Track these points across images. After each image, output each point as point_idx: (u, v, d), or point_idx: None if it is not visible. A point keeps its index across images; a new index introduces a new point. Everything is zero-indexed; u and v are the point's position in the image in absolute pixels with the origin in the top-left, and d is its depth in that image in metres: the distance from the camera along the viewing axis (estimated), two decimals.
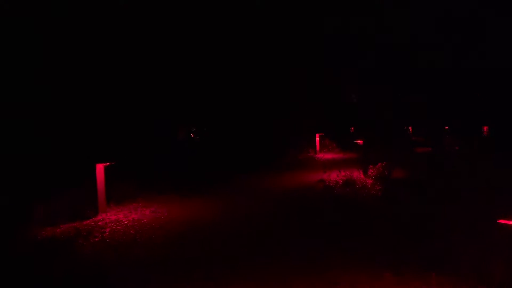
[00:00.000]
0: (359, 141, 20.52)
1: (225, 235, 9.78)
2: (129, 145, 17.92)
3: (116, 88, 18.18)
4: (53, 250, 8.80)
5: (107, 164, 12.41)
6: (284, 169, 21.91)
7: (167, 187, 16.15)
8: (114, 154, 14.14)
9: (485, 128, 37.77)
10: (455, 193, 13.32)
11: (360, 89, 38.59)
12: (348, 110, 35.73)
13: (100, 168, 12.23)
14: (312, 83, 32.51)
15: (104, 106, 17.36)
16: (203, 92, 25.91)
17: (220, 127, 28.24)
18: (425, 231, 9.36)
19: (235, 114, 27.76)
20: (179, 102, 24.30)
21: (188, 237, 9.69)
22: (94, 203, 12.16)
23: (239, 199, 14.40)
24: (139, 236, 9.76)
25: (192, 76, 24.94)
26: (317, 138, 28.10)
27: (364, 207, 12.30)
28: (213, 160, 23.34)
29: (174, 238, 9.56)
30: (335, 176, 17.72)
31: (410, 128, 44.96)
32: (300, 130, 28.73)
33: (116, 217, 11.87)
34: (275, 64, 29.89)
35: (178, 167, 20.84)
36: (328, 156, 27.06)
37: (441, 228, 9.46)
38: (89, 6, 17.61)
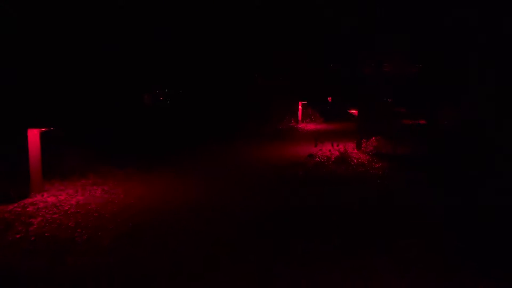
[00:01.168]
0: (353, 111, 18.17)
1: (190, 232, 7.24)
2: (79, 109, 14.77)
3: (60, 35, 14.73)
4: None
5: (44, 129, 9.52)
6: (264, 140, 19.48)
7: (127, 159, 13.39)
8: (55, 117, 11.17)
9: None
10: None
11: (343, 56, 35.90)
12: (333, 78, 33.14)
13: (34, 134, 9.31)
14: (295, 47, 29.56)
15: (42, 58, 13.93)
16: (173, 48, 22.67)
17: (193, 90, 25.22)
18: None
19: (209, 76, 24.74)
20: (145, 59, 21.03)
21: (146, 235, 7.10)
22: (26, 180, 9.33)
23: (212, 177, 11.85)
24: (80, 233, 7.07)
25: (160, 30, 21.60)
26: (300, 107, 25.66)
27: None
28: (184, 128, 20.65)
29: (127, 237, 6.94)
30: (325, 151, 15.45)
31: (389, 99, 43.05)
32: (280, 97, 26.07)
33: (55, 199, 9.09)
34: (255, 23, 26.76)
35: (143, 135, 18.11)
36: (311, 126, 24.77)
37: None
38: None
